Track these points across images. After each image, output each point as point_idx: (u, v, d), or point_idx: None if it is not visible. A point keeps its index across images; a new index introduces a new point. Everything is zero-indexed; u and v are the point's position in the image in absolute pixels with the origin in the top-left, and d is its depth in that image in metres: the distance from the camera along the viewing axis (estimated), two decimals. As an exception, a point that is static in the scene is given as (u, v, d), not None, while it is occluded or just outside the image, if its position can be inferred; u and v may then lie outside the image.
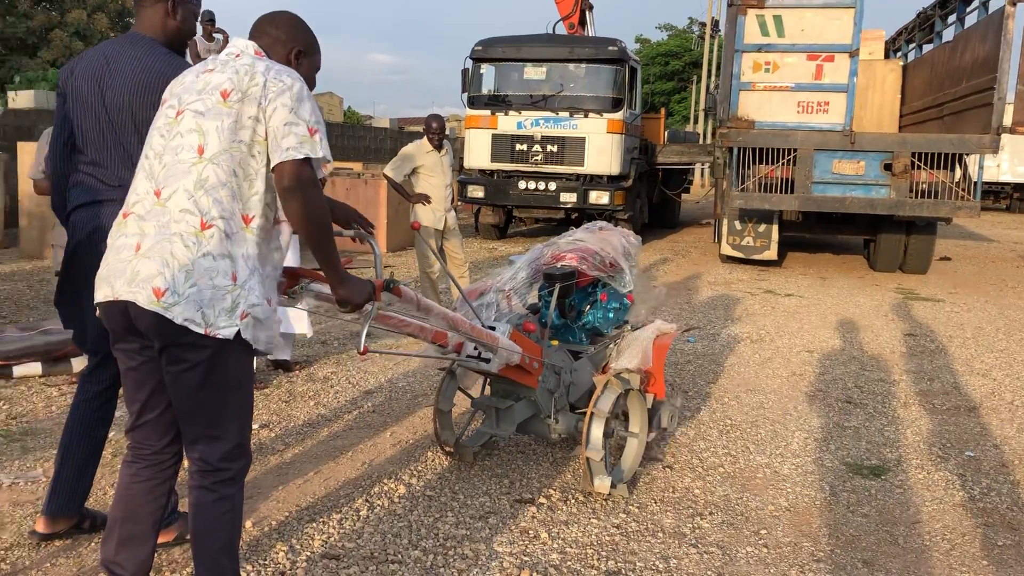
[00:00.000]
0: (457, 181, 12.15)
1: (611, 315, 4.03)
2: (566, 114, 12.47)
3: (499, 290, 3.75)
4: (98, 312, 2.22)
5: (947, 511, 3.52)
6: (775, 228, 10.72)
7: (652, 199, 15.43)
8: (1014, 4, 8.84)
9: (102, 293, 2.16)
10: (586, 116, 12.41)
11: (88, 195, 2.72)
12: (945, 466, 4.03)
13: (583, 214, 12.54)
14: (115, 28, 27.50)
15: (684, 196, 17.71)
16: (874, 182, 9.81)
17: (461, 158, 13.25)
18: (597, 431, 3.37)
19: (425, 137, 6.74)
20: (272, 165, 2.14)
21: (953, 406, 5.03)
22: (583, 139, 12.41)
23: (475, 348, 3.13)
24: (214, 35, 10.73)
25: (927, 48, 12.58)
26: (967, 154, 9.82)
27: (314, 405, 4.68)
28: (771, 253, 10.77)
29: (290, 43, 2.35)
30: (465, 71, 13.08)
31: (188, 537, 2.41)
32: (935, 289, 9.77)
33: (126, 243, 2.14)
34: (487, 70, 13.24)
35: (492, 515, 3.31)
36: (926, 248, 10.81)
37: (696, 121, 39.28)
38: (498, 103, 12.92)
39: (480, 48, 13.07)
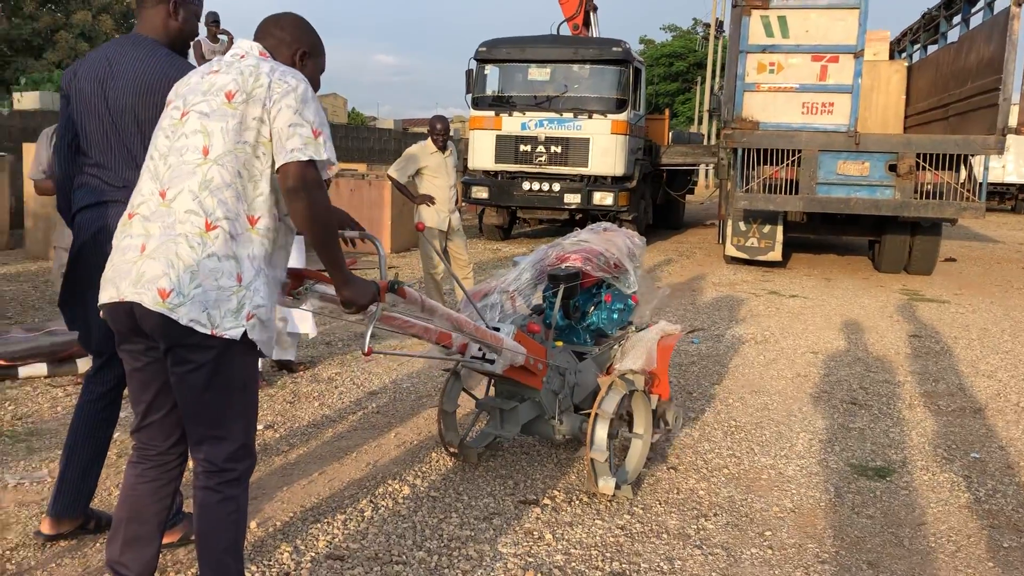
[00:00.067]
0: (461, 182, 12.14)
1: (615, 316, 4.03)
2: (570, 115, 12.47)
3: (503, 291, 3.75)
4: (103, 313, 2.23)
5: (952, 513, 3.51)
6: (779, 229, 10.70)
7: (656, 200, 15.42)
8: (1020, 5, 8.81)
9: (107, 294, 2.17)
10: (590, 117, 12.41)
11: (93, 196, 2.72)
12: (950, 468, 4.02)
13: (587, 215, 12.53)
14: (120, 29, 27.61)
15: (688, 197, 17.69)
16: (879, 183, 9.79)
17: (465, 159, 13.25)
18: (601, 432, 3.37)
19: (429, 138, 6.74)
20: (277, 166, 2.14)
21: (958, 407, 5.02)
22: (587, 140, 12.40)
23: (479, 349, 3.13)
24: (219, 36, 10.76)
25: (932, 49, 12.54)
26: (972, 155, 9.79)
27: (318, 406, 4.68)
28: (775, 254, 10.75)
29: (295, 44, 2.36)
30: (469, 72, 13.08)
31: (193, 538, 2.42)
32: (940, 290, 9.75)
33: (131, 244, 2.14)
34: (491, 71, 13.24)
35: (496, 516, 3.31)
36: (931, 249, 10.78)
37: (700, 122, 39.25)
38: (502, 104, 12.92)
39: (484, 49, 13.07)
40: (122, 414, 2.97)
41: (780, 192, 9.92)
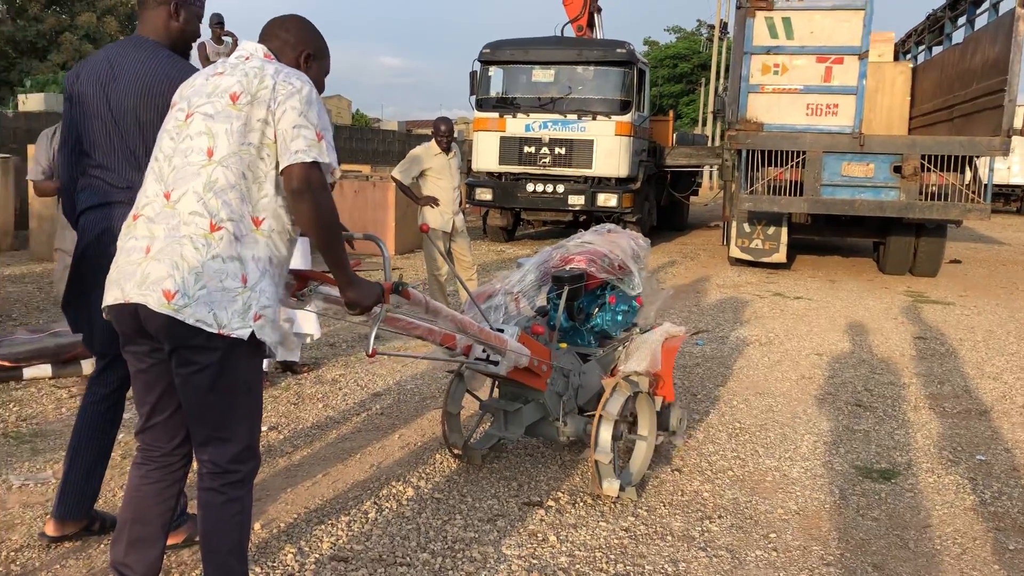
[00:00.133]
0: (465, 184, 12.16)
1: (620, 318, 4.02)
2: (574, 116, 12.47)
3: (507, 292, 3.75)
4: (107, 315, 2.23)
5: (958, 515, 3.50)
6: (784, 231, 10.69)
7: (660, 202, 15.41)
8: (1024, 6, 8.81)
9: (112, 296, 2.17)
10: (594, 118, 12.40)
11: (97, 197, 2.73)
12: (956, 470, 4.00)
13: (591, 217, 12.53)
14: (125, 31, 27.69)
15: (692, 199, 17.68)
16: (883, 184, 9.78)
17: (469, 160, 13.27)
18: (606, 434, 3.36)
19: (433, 140, 6.74)
20: (281, 168, 2.14)
21: (964, 409, 5.00)
22: (591, 141, 12.40)
23: (483, 351, 3.13)
24: (223, 38, 10.79)
25: (937, 50, 12.54)
26: (977, 156, 9.78)
27: (322, 407, 4.68)
28: (780, 256, 10.74)
29: (300, 46, 2.36)
30: (473, 74, 13.10)
31: (197, 539, 2.42)
32: (945, 292, 9.72)
33: (136, 245, 2.14)
34: (495, 73, 13.25)
35: (500, 518, 3.31)
36: (936, 251, 10.75)
37: (705, 123, 39.26)
38: (506, 106, 12.93)
39: (488, 51, 13.08)
40: (126, 415, 2.97)
41: (784, 194, 9.91)
